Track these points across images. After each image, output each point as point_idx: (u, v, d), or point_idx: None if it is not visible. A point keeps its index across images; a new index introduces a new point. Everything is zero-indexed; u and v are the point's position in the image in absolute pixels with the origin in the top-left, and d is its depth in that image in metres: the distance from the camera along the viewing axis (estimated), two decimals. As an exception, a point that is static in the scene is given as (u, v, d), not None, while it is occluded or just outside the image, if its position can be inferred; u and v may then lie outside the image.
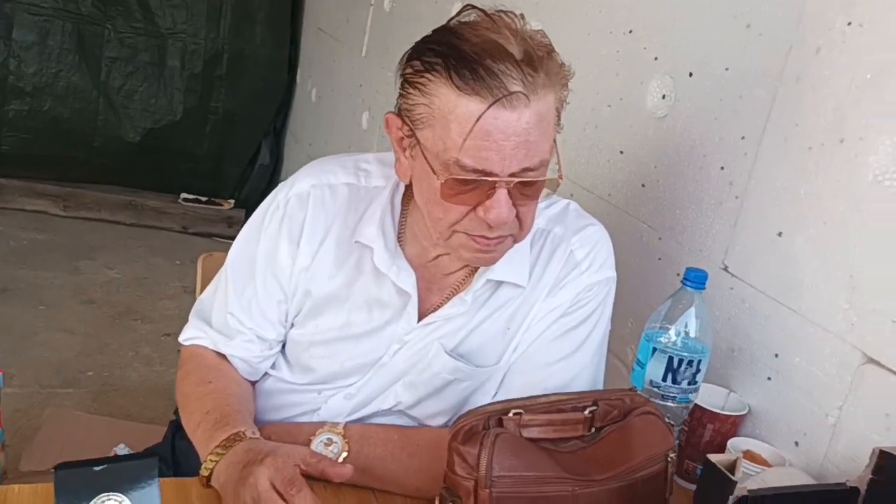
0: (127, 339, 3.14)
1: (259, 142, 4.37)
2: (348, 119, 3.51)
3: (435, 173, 1.01)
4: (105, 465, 0.83)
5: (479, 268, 1.15)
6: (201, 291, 1.32)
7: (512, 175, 0.99)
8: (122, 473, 0.84)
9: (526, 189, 1.01)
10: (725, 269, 1.38)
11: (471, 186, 1.00)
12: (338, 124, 3.69)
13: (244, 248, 1.23)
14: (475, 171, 0.98)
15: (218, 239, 4.12)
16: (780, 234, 1.28)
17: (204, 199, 4.40)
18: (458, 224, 1.04)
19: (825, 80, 1.21)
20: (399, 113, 1.06)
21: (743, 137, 1.37)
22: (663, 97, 1.57)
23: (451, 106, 0.97)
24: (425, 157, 1.02)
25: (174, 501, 1.05)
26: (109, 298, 3.46)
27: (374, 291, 1.17)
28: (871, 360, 1.11)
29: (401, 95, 1.05)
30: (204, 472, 1.05)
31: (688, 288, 1.19)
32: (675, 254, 1.50)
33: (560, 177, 1.05)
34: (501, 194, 0.99)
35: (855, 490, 1.01)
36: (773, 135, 1.31)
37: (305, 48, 4.31)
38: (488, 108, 0.95)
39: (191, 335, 1.26)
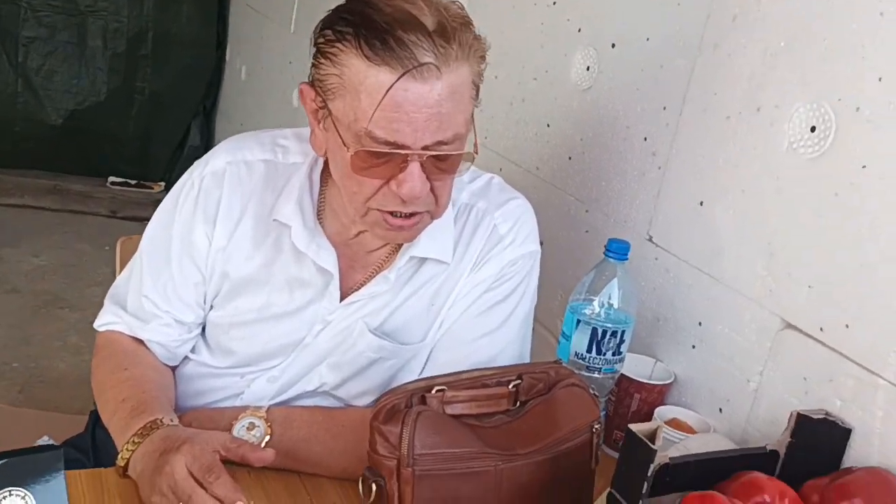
0: (53, 328, 3.04)
1: (188, 122, 4.27)
2: (279, 97, 3.45)
3: (346, 145, 0.99)
4: (6, 460, 0.79)
5: (402, 244, 1.13)
6: (120, 276, 1.28)
7: (425, 148, 0.97)
8: (25, 467, 0.80)
9: (441, 163, 1.00)
10: (650, 239, 1.39)
11: (383, 160, 0.98)
12: (269, 103, 3.62)
13: (159, 229, 1.19)
14: (387, 142, 0.96)
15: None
16: (701, 204, 1.29)
17: (133, 182, 4.29)
18: (373, 199, 1.02)
19: (741, 49, 1.22)
20: (312, 83, 1.03)
21: (664, 108, 1.37)
22: (587, 69, 1.56)
23: (361, 77, 0.95)
24: (337, 129, 1.00)
25: (90, 493, 1.02)
26: (34, 287, 3.35)
27: (295, 271, 1.15)
28: (790, 326, 1.13)
29: (314, 65, 1.03)
30: (120, 462, 1.03)
31: (610, 259, 1.19)
32: (602, 226, 1.50)
33: (476, 151, 1.03)
34: (414, 167, 0.98)
35: (774, 453, 1.03)
36: (693, 104, 1.31)
37: (234, 25, 4.20)
38: (398, 79, 0.93)
39: (106, 321, 1.22)
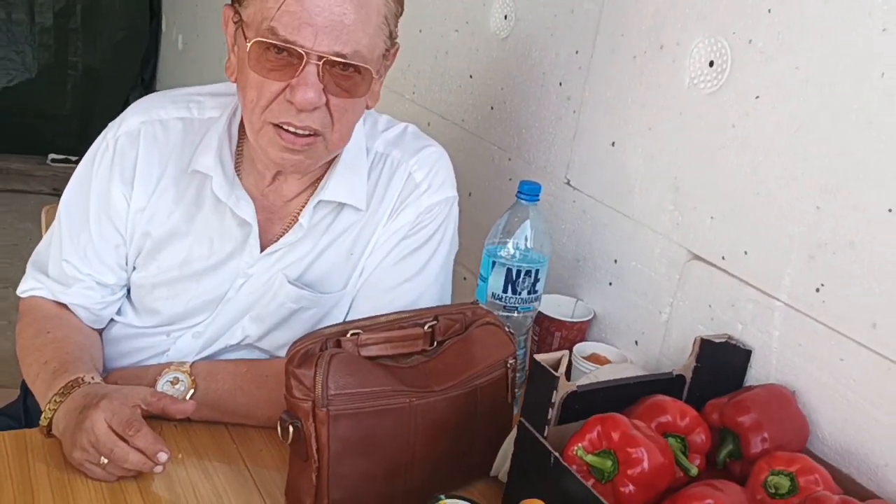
0: (-2, 308, 3.01)
1: (127, 96, 4.20)
2: (217, 66, 3.40)
3: (248, 41, 1.00)
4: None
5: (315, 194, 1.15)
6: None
7: (322, 55, 0.98)
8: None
9: (341, 80, 1.01)
10: (568, 182, 1.42)
11: (281, 56, 0.99)
12: (207, 72, 3.57)
13: (76, 193, 1.19)
14: (286, 41, 0.98)
15: (92, 199, 3.96)
16: (613, 144, 1.32)
17: (74, 158, 4.22)
18: (268, 110, 1.02)
19: (643, -11, 1.25)
20: (232, 2, 1.05)
21: (577, 52, 1.39)
22: (505, 17, 1.58)
23: None
24: (245, 35, 1.02)
25: (14, 454, 1.03)
26: (-24, 268, 3.30)
27: (215, 224, 1.15)
28: (696, 257, 1.17)
29: None
30: (43, 422, 1.03)
31: (522, 201, 1.22)
32: (523, 172, 1.53)
33: (377, 97, 1.04)
34: (310, 71, 0.99)
35: (681, 378, 1.07)
36: (602, 46, 1.34)
37: (168, -6, 4.14)
38: None
39: (28, 287, 1.22)
